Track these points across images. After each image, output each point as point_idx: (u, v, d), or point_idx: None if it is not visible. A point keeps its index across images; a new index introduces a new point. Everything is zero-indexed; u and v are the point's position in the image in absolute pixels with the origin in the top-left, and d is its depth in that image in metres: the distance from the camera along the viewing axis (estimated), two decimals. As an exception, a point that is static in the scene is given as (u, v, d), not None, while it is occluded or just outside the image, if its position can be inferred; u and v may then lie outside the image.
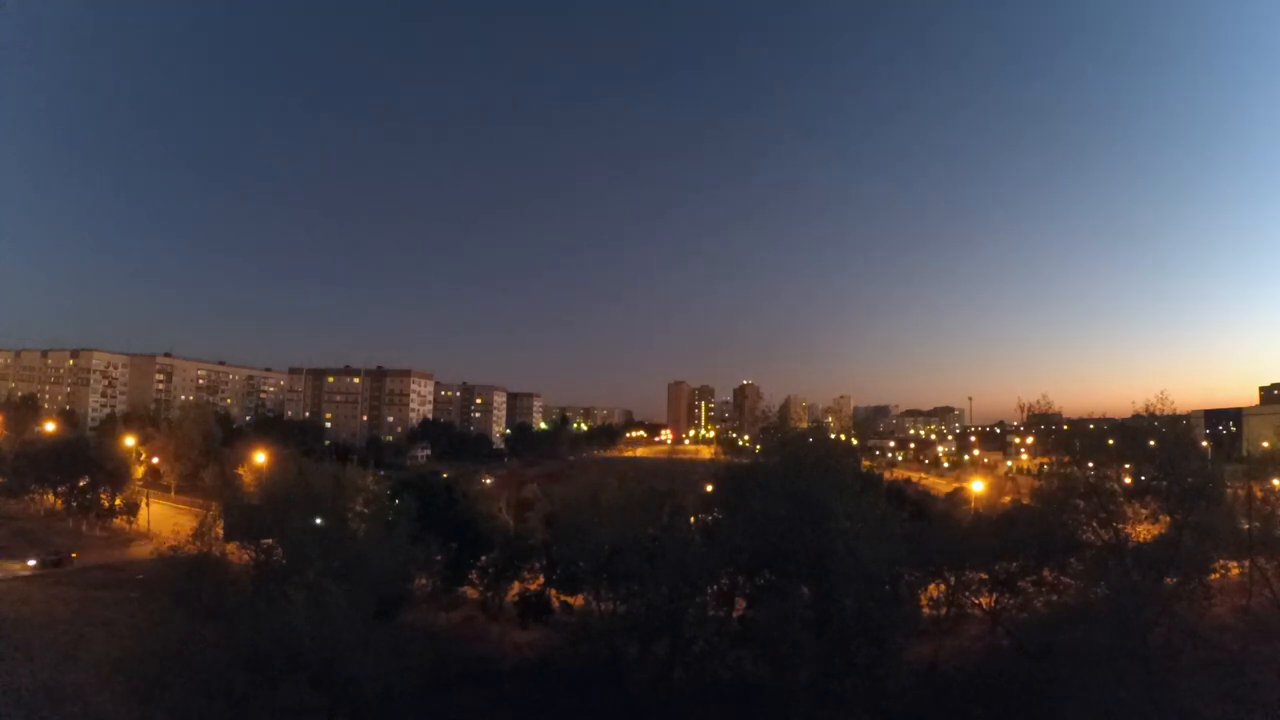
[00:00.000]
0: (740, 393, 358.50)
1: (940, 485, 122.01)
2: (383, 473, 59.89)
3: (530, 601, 41.19)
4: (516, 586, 42.77)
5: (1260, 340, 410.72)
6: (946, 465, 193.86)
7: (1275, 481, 39.06)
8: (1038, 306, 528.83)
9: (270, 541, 32.45)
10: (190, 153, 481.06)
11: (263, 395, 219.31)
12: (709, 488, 48.31)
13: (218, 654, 22.46)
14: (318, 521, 32.21)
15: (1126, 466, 34.33)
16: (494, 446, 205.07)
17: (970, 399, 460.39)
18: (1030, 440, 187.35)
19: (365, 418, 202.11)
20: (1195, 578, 28.86)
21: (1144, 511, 31.08)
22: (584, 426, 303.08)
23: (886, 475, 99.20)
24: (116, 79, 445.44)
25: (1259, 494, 36.57)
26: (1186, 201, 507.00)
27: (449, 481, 59.39)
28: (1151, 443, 33.73)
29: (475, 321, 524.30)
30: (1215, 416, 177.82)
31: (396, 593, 34.20)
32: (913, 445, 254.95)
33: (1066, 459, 34.97)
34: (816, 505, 28.02)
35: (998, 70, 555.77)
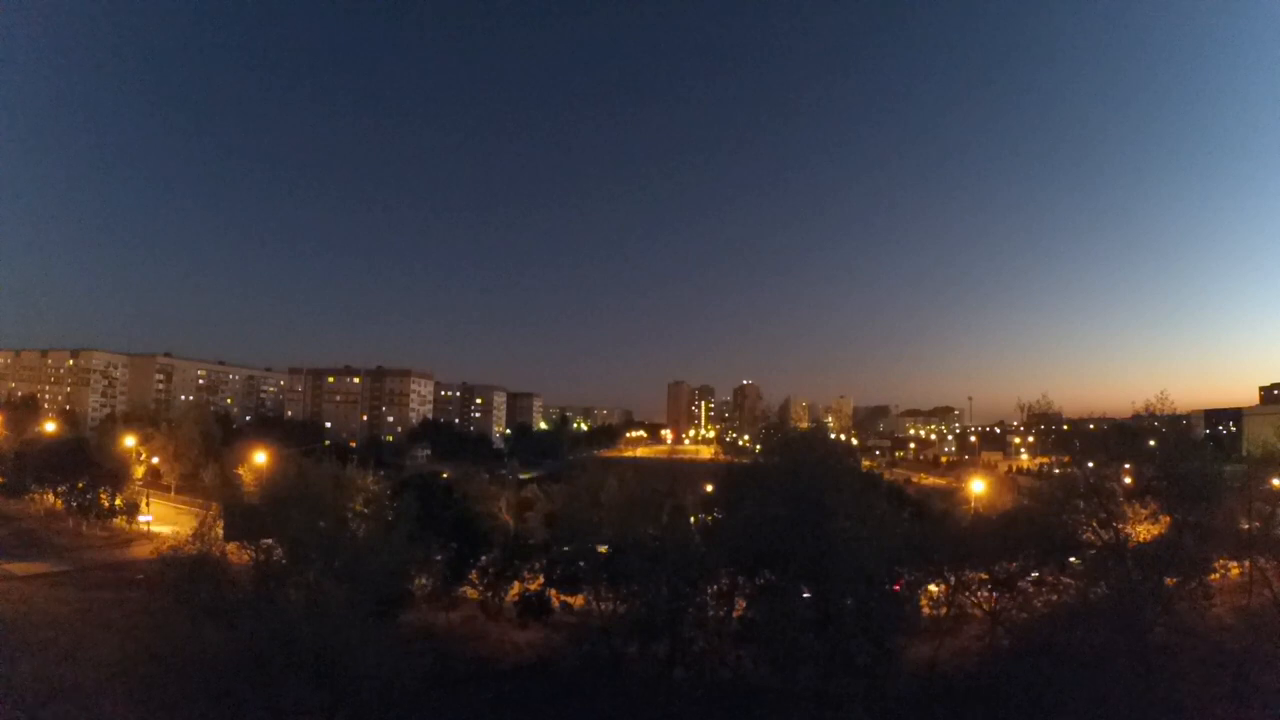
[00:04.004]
0: (740, 393, 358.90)
1: (940, 485, 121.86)
2: (382, 473, 59.81)
3: (530, 601, 41.15)
4: (516, 586, 42.73)
5: (1260, 340, 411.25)
6: (946, 465, 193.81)
7: (1275, 481, 39.06)
8: (1038, 307, 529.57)
9: (270, 541, 32.42)
10: (190, 152, 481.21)
11: (263, 395, 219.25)
12: (709, 488, 48.35)
13: (217, 654, 22.45)
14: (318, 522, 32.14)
15: (1126, 466, 34.30)
16: (494, 446, 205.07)
17: (970, 399, 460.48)
18: (1030, 440, 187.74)
19: (365, 418, 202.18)
20: (1195, 578, 28.80)
21: (1144, 511, 31.03)
22: (584, 426, 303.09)
23: (886, 475, 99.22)
24: (117, 78, 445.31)
25: (1259, 494, 36.57)
26: (1187, 201, 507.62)
27: (449, 481, 59.27)
28: (1151, 443, 33.73)
29: (475, 321, 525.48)
30: (1215, 416, 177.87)
31: (396, 593, 34.13)
32: (913, 445, 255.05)
33: (1066, 459, 34.93)
34: (816, 505, 27.99)
35: (998, 69, 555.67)
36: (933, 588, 37.21)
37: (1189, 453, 32.67)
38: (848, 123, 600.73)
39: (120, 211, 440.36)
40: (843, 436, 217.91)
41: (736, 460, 50.25)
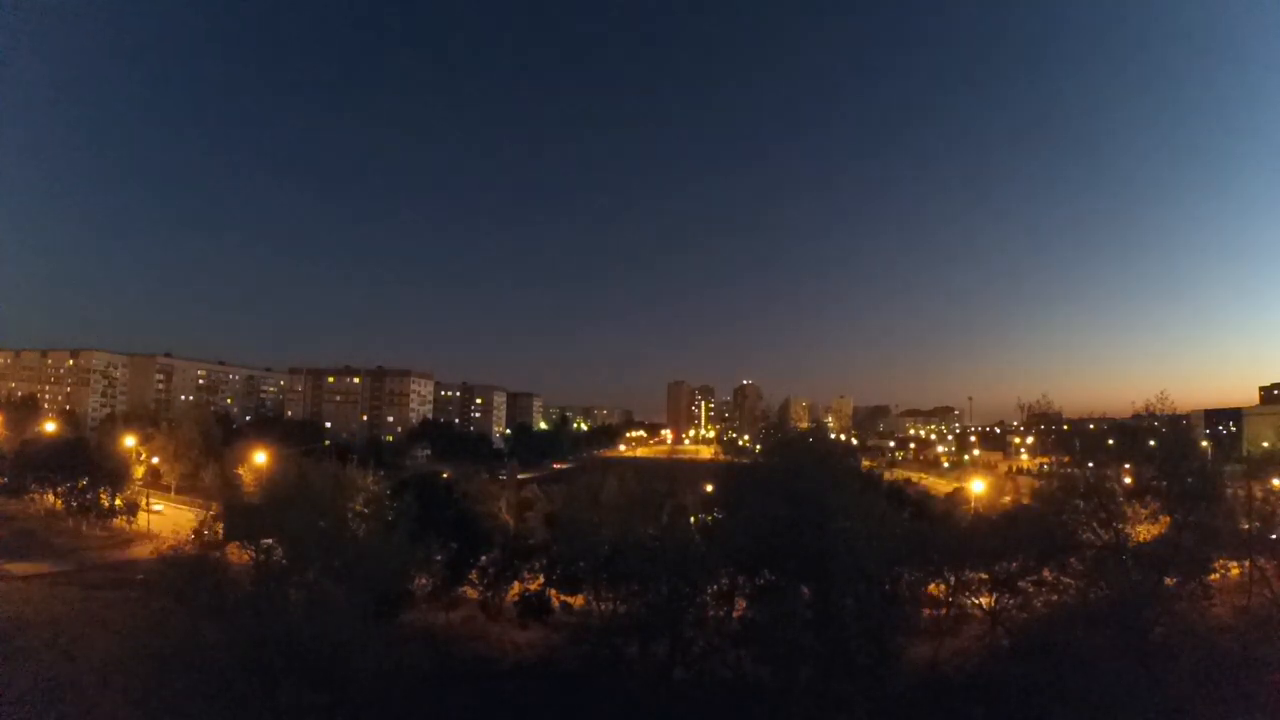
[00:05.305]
0: (740, 393, 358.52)
1: (940, 485, 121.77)
2: (382, 473, 59.87)
3: (530, 601, 41.16)
4: (516, 586, 42.73)
5: (1260, 340, 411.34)
6: (946, 465, 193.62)
7: (1275, 481, 39.09)
8: (1038, 306, 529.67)
9: (270, 541, 32.39)
10: (190, 152, 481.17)
11: (263, 395, 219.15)
12: (709, 488, 48.29)
13: (217, 654, 22.42)
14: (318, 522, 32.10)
15: (1126, 466, 34.34)
16: (494, 446, 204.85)
17: (970, 399, 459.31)
18: (1030, 440, 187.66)
19: (365, 418, 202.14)
20: (1195, 578, 28.84)
21: (1144, 511, 31.07)
22: (584, 426, 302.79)
23: (886, 475, 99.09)
24: (118, 77, 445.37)
25: (1259, 494, 36.59)
26: (1187, 201, 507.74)
27: (449, 481, 59.30)
28: (1151, 443, 33.78)
29: (475, 321, 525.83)
30: (1215, 416, 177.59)
31: (396, 593, 34.15)
32: (913, 445, 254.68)
33: (1066, 459, 34.96)
34: (816, 505, 27.97)
35: (996, 69, 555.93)
36: (933, 588, 37.23)
37: (1189, 453, 32.68)
38: (845, 123, 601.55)
39: (121, 211, 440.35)
40: (843, 436, 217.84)
41: (736, 460, 50.22)
